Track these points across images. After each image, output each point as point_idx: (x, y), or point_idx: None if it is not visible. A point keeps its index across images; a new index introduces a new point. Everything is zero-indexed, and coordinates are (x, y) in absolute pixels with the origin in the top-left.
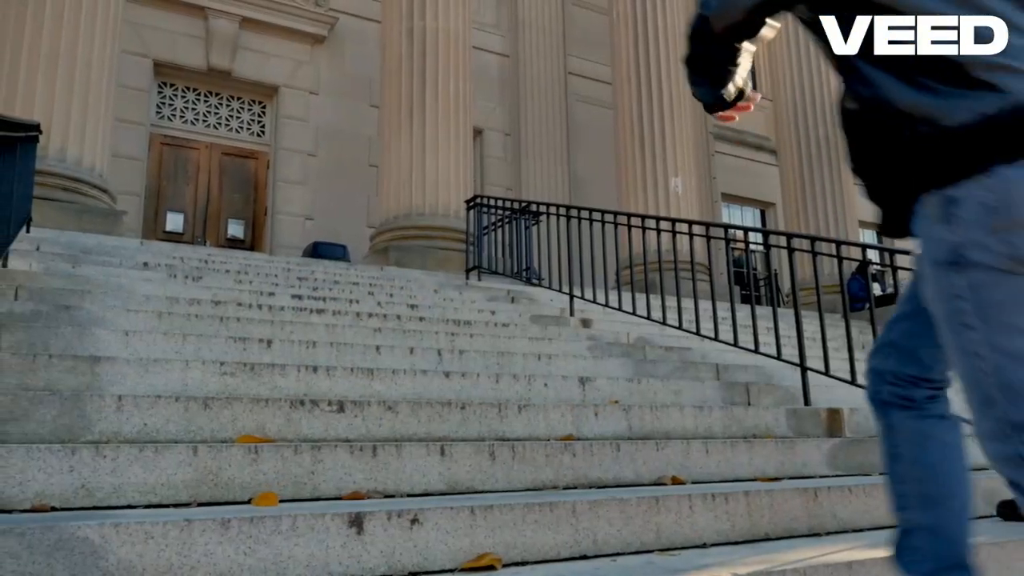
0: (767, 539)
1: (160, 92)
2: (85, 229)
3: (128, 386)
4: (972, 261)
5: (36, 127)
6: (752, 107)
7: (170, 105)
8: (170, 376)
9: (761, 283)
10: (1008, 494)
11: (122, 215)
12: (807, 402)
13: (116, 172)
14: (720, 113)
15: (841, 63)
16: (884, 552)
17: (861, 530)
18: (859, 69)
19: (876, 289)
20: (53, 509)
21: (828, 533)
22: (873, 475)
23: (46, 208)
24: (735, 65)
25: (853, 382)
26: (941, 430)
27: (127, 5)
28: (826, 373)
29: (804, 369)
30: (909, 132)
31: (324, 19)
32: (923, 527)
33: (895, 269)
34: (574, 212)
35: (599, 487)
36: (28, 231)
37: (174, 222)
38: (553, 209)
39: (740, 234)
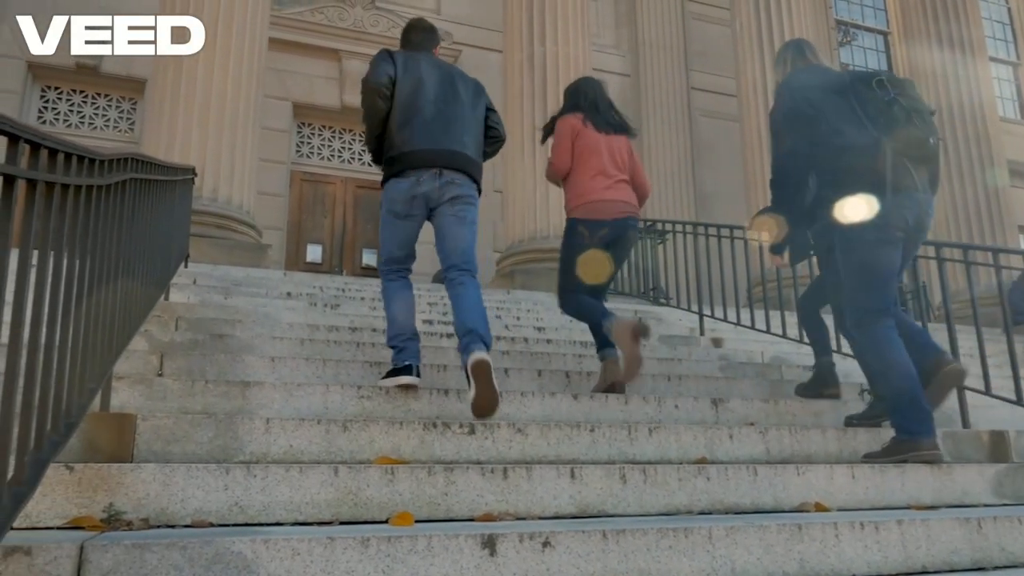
0: (924, 572)
1: (299, 132)
2: (235, 263)
3: (275, 409)
4: (383, 204)
5: (192, 170)
6: None
7: (308, 143)
8: (312, 399)
9: (908, 297)
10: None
11: (267, 248)
12: (965, 424)
13: (261, 208)
14: None
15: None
16: None
17: None
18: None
19: None
20: (211, 525)
21: (996, 568)
22: None
23: (201, 244)
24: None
25: (1019, 402)
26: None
27: (269, 53)
28: (987, 392)
29: (961, 388)
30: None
31: (447, 53)
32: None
33: None
34: (701, 229)
35: (736, 513)
36: (186, 266)
37: (313, 253)
38: (679, 227)
39: None
